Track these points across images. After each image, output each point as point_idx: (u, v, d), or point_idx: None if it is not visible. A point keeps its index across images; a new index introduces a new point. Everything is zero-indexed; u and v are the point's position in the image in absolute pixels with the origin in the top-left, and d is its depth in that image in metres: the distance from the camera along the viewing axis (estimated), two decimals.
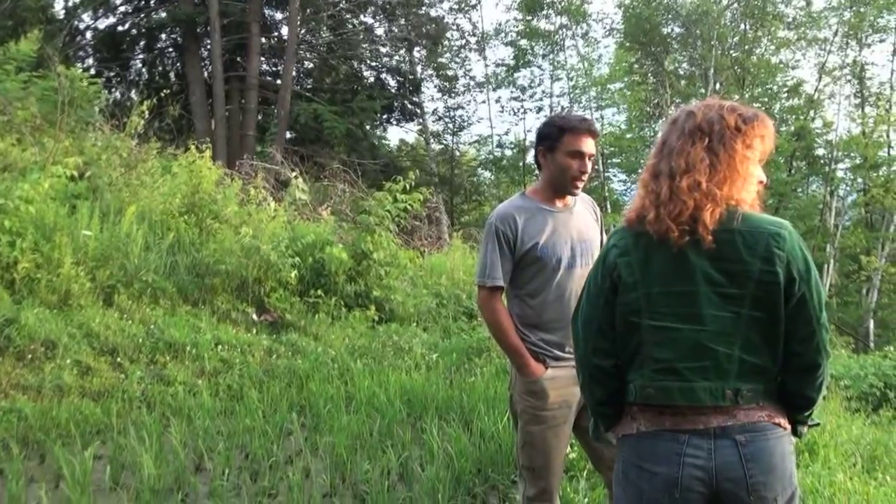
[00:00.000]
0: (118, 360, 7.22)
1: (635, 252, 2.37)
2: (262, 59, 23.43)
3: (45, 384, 6.55)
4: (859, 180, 27.12)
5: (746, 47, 27.87)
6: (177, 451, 5.21)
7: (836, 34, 26.84)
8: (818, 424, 2.66)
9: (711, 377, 2.30)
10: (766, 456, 2.29)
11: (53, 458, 5.23)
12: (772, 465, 2.29)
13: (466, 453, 5.17)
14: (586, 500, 4.56)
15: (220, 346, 7.91)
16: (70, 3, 22.12)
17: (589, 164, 3.51)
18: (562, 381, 3.45)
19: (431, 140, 28.31)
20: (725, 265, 2.29)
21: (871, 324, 24.25)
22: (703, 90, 27.67)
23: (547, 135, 3.55)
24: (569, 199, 3.62)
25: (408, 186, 11.12)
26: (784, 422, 2.38)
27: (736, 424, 2.29)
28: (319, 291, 9.69)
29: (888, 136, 26.53)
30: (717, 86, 27.25)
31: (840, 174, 27.50)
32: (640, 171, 2.75)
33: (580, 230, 3.58)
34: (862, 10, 25.74)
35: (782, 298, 2.28)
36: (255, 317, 9.05)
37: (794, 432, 2.44)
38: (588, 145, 3.49)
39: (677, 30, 28.98)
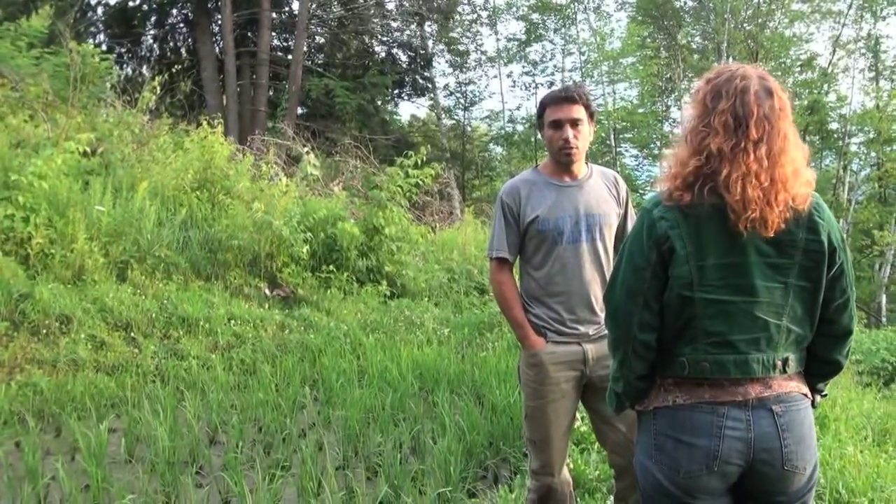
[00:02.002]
0: (132, 334, 7.28)
1: (685, 224, 2.30)
2: (273, 34, 23.34)
3: (59, 358, 6.62)
4: (873, 155, 26.90)
5: (760, 20, 27.56)
6: (191, 425, 5.25)
7: (850, 7, 26.53)
8: (826, 395, 2.66)
9: (764, 348, 2.30)
10: (797, 426, 2.31)
11: (69, 431, 5.29)
12: (802, 435, 2.31)
13: (478, 426, 5.20)
14: (597, 472, 4.58)
15: (232, 321, 7.96)
16: None
17: (572, 132, 3.44)
18: (562, 356, 3.44)
19: (443, 115, 28.21)
20: (773, 235, 2.27)
21: (884, 299, 24.14)
22: (715, 64, 27.41)
23: (537, 112, 3.61)
24: (580, 172, 3.57)
25: (419, 161, 11.11)
26: (808, 391, 2.41)
27: (772, 395, 2.30)
28: (331, 266, 9.74)
29: None
30: (730, 59, 27.01)
31: (854, 148, 27.30)
32: (672, 140, 2.60)
33: (588, 204, 3.50)
34: None
35: (825, 267, 2.29)
36: (267, 292, 9.10)
37: (812, 403, 2.45)
38: (567, 111, 3.44)
39: (690, 3, 28.75)
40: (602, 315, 3.38)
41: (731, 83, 2.30)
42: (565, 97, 3.46)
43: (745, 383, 2.30)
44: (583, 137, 3.47)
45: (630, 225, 3.57)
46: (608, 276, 3.39)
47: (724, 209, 2.24)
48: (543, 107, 3.53)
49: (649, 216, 2.38)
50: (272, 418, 5.61)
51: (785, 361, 2.31)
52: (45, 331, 6.98)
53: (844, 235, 2.37)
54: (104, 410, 5.84)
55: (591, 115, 3.52)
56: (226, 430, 5.48)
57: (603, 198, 3.56)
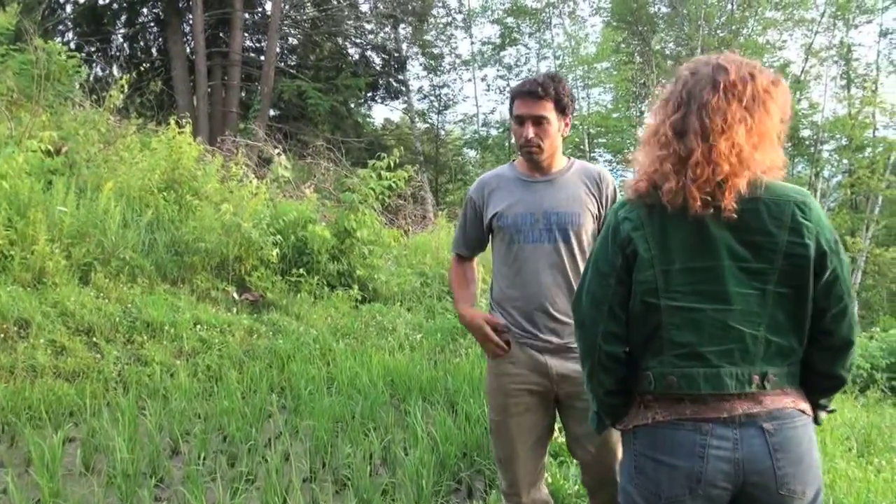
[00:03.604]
0: (94, 339, 7.04)
1: (650, 225, 2.13)
2: (246, 34, 23.08)
3: (17, 364, 6.36)
4: (844, 161, 27.13)
5: (733, 27, 27.72)
6: (152, 435, 5.04)
7: (823, 15, 26.78)
8: (834, 411, 2.47)
9: (738, 361, 2.10)
10: (794, 446, 2.11)
11: (24, 440, 5.05)
12: (800, 456, 2.12)
13: (451, 437, 5.02)
14: (576, 486, 4.42)
15: (199, 326, 7.74)
16: None
17: (533, 130, 3.23)
18: (524, 364, 3.22)
19: (416, 118, 28.10)
20: (750, 237, 2.09)
21: (856, 306, 24.28)
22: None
23: (510, 102, 3.40)
24: (553, 167, 3.34)
25: (392, 164, 10.94)
26: (807, 408, 2.21)
27: (763, 412, 2.10)
28: (301, 270, 9.53)
29: (874, 117, 26.48)
30: None
31: (825, 155, 27.51)
32: (639, 136, 2.43)
33: (554, 202, 3.26)
34: None
35: (812, 273, 2.10)
36: (235, 296, 8.88)
37: (815, 419, 2.26)
38: (530, 107, 3.23)
39: (664, 9, 28.86)
40: (565, 326, 3.19)
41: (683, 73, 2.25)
42: (529, 92, 3.24)
43: (732, 399, 2.11)
44: (548, 135, 3.25)
45: None
46: (573, 283, 3.23)
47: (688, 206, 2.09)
48: (512, 99, 3.34)
49: (615, 217, 2.23)
50: (237, 427, 5.40)
51: (763, 376, 2.11)
52: (2, 335, 6.71)
53: (838, 237, 2.17)
54: (62, 419, 5.61)
55: (562, 109, 3.27)
56: (188, 440, 5.27)
57: (575, 196, 3.29)
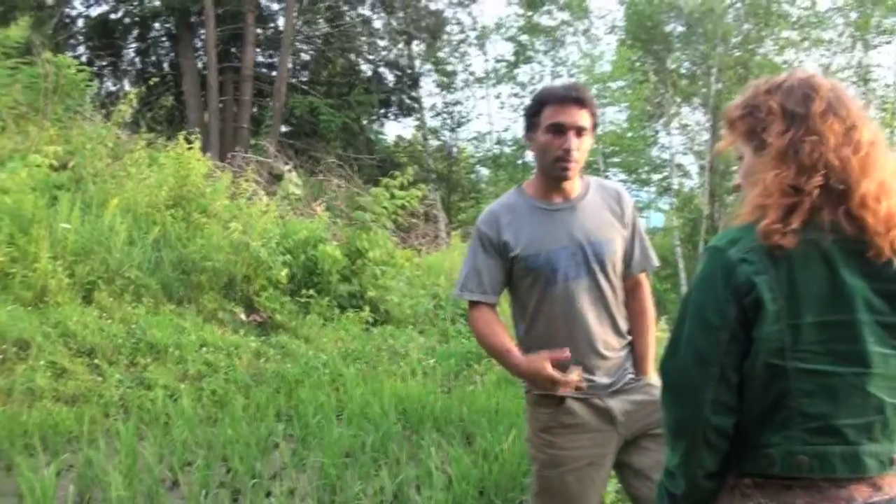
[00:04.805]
0: (96, 361, 6.83)
1: (774, 269, 1.74)
2: (258, 50, 22.97)
3: (15, 387, 6.15)
4: None
5: (750, 47, 27.47)
6: (150, 467, 4.77)
7: (841, 35, 26.51)
8: None
9: (878, 437, 1.74)
10: None
11: (18, 469, 4.79)
12: None
13: (468, 475, 4.72)
14: None
15: (205, 348, 7.50)
16: None
17: (575, 141, 2.81)
18: (582, 416, 2.86)
19: (429, 136, 27.88)
20: (886, 286, 1.75)
21: None
22: (704, 89, 27.32)
23: (528, 112, 2.96)
24: (574, 190, 2.93)
25: (405, 182, 10.71)
26: None
27: (883, 499, 1.74)
28: (311, 291, 9.29)
29: (893, 138, 26.16)
30: (720, 85, 26.89)
31: None
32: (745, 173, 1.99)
33: (588, 230, 2.87)
34: (868, 11, 25.39)
35: None
36: (243, 317, 8.64)
37: None
38: (573, 116, 2.81)
39: (680, 28, 28.59)
40: (613, 362, 2.88)
41: (809, 82, 1.83)
42: (575, 98, 2.83)
43: (849, 484, 1.73)
44: (584, 150, 2.86)
45: (639, 251, 3.00)
46: (616, 316, 2.90)
47: (830, 247, 1.73)
48: (541, 104, 2.89)
49: (724, 257, 1.79)
50: (241, 459, 5.12)
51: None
52: (0, 356, 6.48)
53: None
54: (60, 446, 5.37)
55: (595, 124, 2.90)
56: (189, 472, 4.99)
57: (605, 220, 2.93)
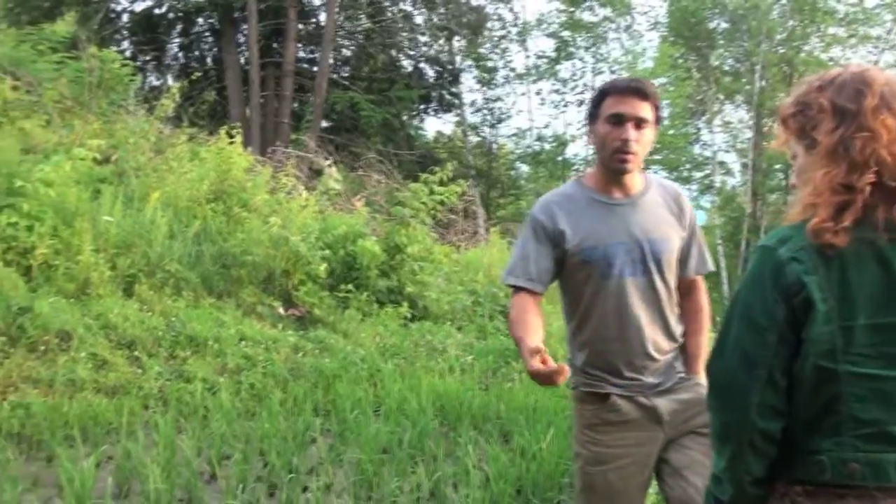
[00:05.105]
0: (136, 354, 6.86)
1: (826, 268, 1.69)
2: (299, 45, 23.05)
3: (57, 378, 6.20)
4: None
5: (795, 43, 27.05)
6: (188, 460, 4.78)
7: (889, 32, 26.03)
8: None
9: None
10: None
11: (59, 460, 4.83)
12: None
13: (505, 473, 4.68)
14: None
15: (243, 342, 7.52)
16: None
17: (634, 133, 2.74)
18: (627, 413, 2.80)
19: (469, 132, 27.82)
20: None
21: None
22: (748, 86, 26.98)
23: (591, 103, 2.90)
24: (634, 186, 2.86)
25: (445, 178, 10.67)
26: None
27: None
28: (350, 286, 9.27)
29: None
30: (764, 82, 26.55)
31: None
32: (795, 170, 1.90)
33: (646, 227, 2.81)
34: None
35: None
36: (281, 311, 8.65)
37: None
38: (634, 106, 2.74)
39: (724, 24, 28.24)
40: (663, 363, 2.80)
41: (861, 77, 1.76)
42: (636, 89, 2.77)
43: None
44: (645, 143, 2.79)
45: (696, 255, 2.95)
46: (668, 318, 2.83)
47: (885, 246, 1.67)
48: (603, 95, 2.83)
49: (773, 256, 1.74)
50: (278, 453, 5.12)
51: None
52: (43, 347, 6.55)
53: None
54: (99, 437, 5.41)
55: (658, 118, 2.84)
56: (227, 465, 5.01)
57: (663, 218, 2.87)
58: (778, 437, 1.76)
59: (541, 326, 2.77)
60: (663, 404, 2.79)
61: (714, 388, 1.85)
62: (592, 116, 2.86)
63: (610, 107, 2.78)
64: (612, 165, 2.80)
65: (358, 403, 6.25)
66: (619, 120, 2.75)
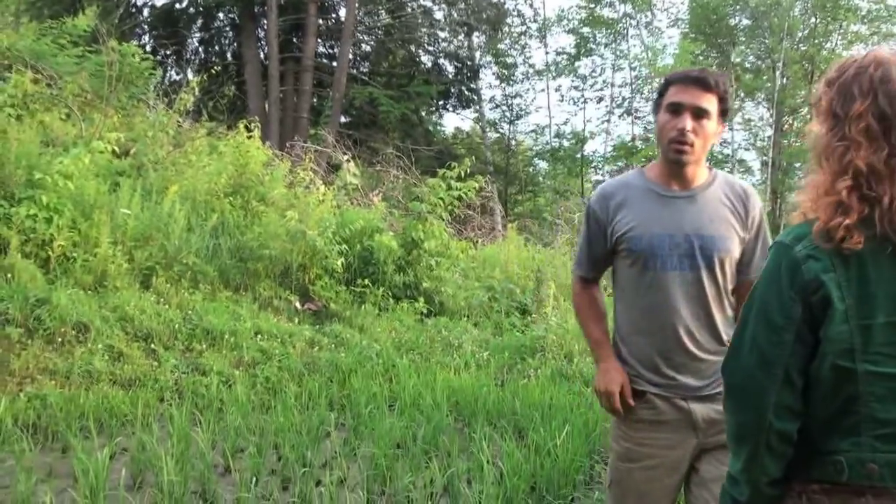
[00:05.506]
0: (152, 346, 6.88)
1: (843, 267, 1.65)
2: (319, 40, 23.07)
3: (74, 370, 6.22)
4: None
5: (816, 41, 26.85)
6: (203, 453, 4.78)
7: None
8: None
9: None
10: None
11: (74, 451, 4.84)
12: None
13: (519, 470, 4.65)
14: None
15: (259, 336, 7.53)
16: None
17: (691, 123, 2.68)
18: (663, 413, 2.76)
19: (487, 128, 27.78)
20: None
21: None
22: (769, 84, 26.79)
23: (659, 91, 2.85)
24: (695, 180, 2.80)
25: (463, 174, 10.65)
26: None
27: None
28: (366, 281, 9.29)
29: None
30: (785, 80, 26.35)
31: None
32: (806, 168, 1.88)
33: (699, 223, 2.74)
34: None
35: None
36: (298, 305, 8.66)
37: None
38: (694, 96, 2.69)
39: (745, 21, 28.07)
40: (707, 364, 2.72)
41: (863, 76, 1.70)
42: (697, 78, 2.72)
43: None
44: (705, 135, 2.72)
45: (760, 257, 2.80)
46: (714, 316, 2.75)
47: None
48: (667, 84, 2.80)
49: (789, 254, 1.71)
50: (292, 447, 5.12)
51: None
52: (60, 339, 6.58)
53: None
54: (115, 429, 5.42)
55: (724, 111, 2.76)
56: (241, 458, 5.01)
57: (720, 216, 2.78)
58: (794, 438, 1.73)
59: (605, 314, 3.01)
60: (701, 410, 2.73)
61: (730, 388, 1.82)
62: (656, 106, 2.83)
63: (671, 96, 2.75)
64: (669, 156, 2.76)
65: (373, 398, 6.25)
66: (677, 109, 2.72)
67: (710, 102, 2.71)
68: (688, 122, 2.69)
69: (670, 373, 2.74)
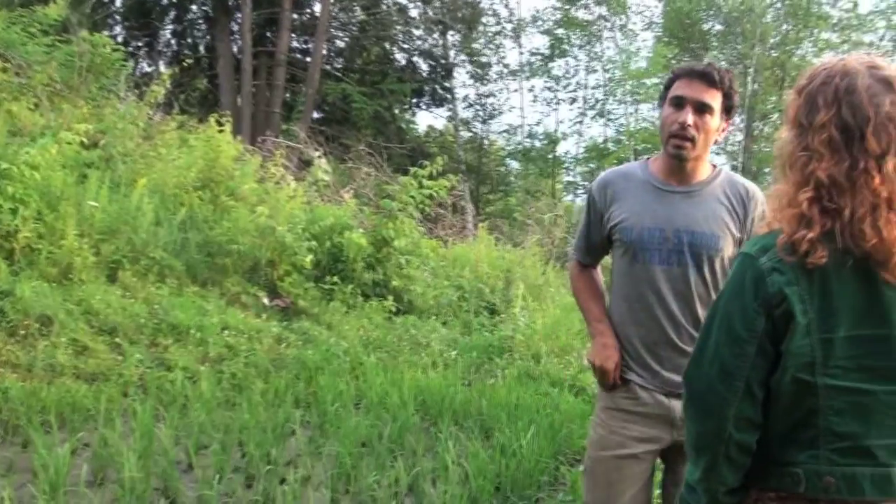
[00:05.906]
0: (117, 340, 6.79)
1: (807, 280, 1.64)
2: (293, 35, 22.97)
3: (36, 363, 6.12)
4: None
5: (788, 48, 27.08)
6: (166, 449, 4.74)
7: (882, 38, 26.05)
8: None
9: None
10: None
11: (35, 446, 4.78)
12: None
13: (485, 470, 4.66)
14: None
15: (226, 331, 7.47)
16: None
17: (692, 117, 2.67)
18: (645, 406, 2.78)
19: (460, 127, 27.77)
20: None
21: None
22: (740, 89, 26.95)
23: (665, 85, 2.85)
24: (696, 177, 2.79)
25: (434, 172, 10.64)
26: None
27: None
28: (335, 278, 9.24)
29: None
30: (756, 86, 26.56)
31: None
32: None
33: (692, 219, 2.73)
34: None
35: None
36: (266, 301, 8.60)
37: None
38: (697, 91, 2.68)
39: (718, 26, 28.27)
40: (688, 358, 2.74)
41: (828, 87, 1.69)
42: (702, 73, 2.70)
43: None
44: (707, 130, 2.71)
45: None
46: (701, 315, 2.71)
47: (862, 258, 1.62)
48: (673, 78, 2.78)
49: (754, 266, 1.70)
50: (257, 444, 5.08)
51: None
52: (23, 332, 6.47)
53: None
54: (76, 424, 5.35)
55: (728, 107, 2.75)
56: (205, 454, 4.96)
57: (716, 214, 2.76)
58: (753, 449, 1.73)
59: (602, 296, 3.03)
60: (679, 406, 2.67)
61: (690, 396, 1.82)
62: (662, 99, 2.83)
63: (675, 90, 2.74)
64: (669, 150, 2.76)
65: (339, 396, 6.22)
66: (680, 103, 2.72)
67: (713, 98, 2.71)
68: (689, 117, 2.68)
69: (655, 366, 2.76)
